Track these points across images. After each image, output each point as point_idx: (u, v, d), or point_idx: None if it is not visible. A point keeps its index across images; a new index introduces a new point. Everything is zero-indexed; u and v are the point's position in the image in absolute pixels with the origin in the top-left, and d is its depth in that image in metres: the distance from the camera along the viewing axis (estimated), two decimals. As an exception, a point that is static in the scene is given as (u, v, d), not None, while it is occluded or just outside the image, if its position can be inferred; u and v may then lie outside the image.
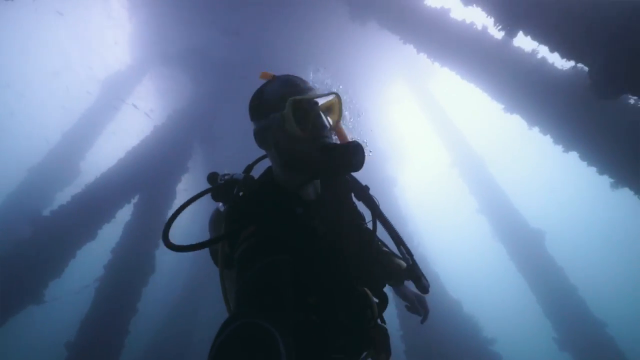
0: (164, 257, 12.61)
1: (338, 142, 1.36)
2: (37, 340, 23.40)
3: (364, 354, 1.27)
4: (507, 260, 11.81)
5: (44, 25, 23.53)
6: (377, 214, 1.43)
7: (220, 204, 1.40)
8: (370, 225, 1.44)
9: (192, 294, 15.47)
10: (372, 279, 1.32)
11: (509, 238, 11.74)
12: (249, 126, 1.35)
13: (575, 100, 5.50)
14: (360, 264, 1.30)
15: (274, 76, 1.35)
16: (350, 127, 1.56)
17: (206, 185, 1.46)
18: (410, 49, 9.94)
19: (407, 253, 1.42)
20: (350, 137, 1.38)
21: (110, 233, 11.12)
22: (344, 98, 1.37)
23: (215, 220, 1.41)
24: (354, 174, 1.50)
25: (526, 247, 11.20)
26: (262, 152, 1.48)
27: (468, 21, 8.40)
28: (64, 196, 12.06)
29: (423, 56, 9.48)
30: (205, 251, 1.39)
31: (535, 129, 7.04)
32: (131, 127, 21.04)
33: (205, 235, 1.38)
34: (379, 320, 1.30)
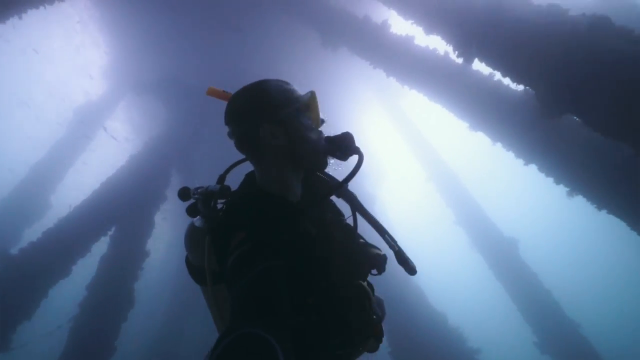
0: (145, 287, 12.21)
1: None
2: (2, 391, 21.51)
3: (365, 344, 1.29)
4: (486, 270, 12.23)
5: (15, 58, 23.06)
6: (358, 208, 1.49)
7: (196, 218, 1.34)
8: (350, 220, 1.49)
9: (176, 320, 14.95)
10: (362, 271, 1.35)
11: (485, 248, 12.21)
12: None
13: (529, 118, 6.02)
14: (350, 258, 1.33)
15: (224, 91, 1.44)
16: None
17: (184, 213, 1.41)
18: (380, 72, 10.53)
19: (392, 240, 1.46)
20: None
21: (85, 268, 10.70)
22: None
23: (193, 235, 1.35)
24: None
25: (502, 256, 11.68)
26: (234, 163, 1.52)
27: (431, 47, 9.07)
28: (33, 232, 11.56)
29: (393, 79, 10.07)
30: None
31: (499, 145, 7.58)
32: (105, 157, 20.60)
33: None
34: None
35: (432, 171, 15.12)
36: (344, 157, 1.44)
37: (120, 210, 11.28)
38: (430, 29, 7.91)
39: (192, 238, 1.35)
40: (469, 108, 7.66)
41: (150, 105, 15.54)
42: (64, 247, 9.86)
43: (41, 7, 8.80)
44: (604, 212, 5.95)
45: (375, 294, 1.46)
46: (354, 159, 1.43)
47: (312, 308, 1.16)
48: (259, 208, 1.24)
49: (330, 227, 1.36)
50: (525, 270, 11.22)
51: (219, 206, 1.36)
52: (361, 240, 1.53)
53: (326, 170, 1.49)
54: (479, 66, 7.28)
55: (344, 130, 1.46)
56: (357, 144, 1.43)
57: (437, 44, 9.19)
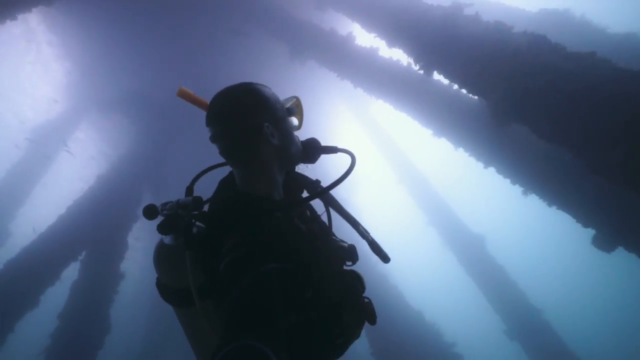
0: (122, 309, 11.81)
1: None
2: None
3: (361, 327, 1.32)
4: (457, 266, 12.89)
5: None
6: (331, 203, 1.53)
7: (166, 236, 1.25)
8: (324, 217, 1.53)
9: (155, 342, 14.50)
10: (341, 262, 1.40)
11: (456, 245, 12.88)
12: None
13: (485, 126, 6.56)
14: (333, 250, 1.37)
15: (194, 96, 1.47)
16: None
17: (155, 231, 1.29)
18: (349, 83, 10.93)
19: (365, 232, 1.51)
20: None
21: (56, 296, 10.21)
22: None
23: (166, 254, 1.27)
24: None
25: (471, 252, 12.38)
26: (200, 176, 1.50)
27: (395, 58, 9.56)
28: (-8, 264, 10.86)
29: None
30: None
31: (461, 150, 8.13)
32: (70, 177, 19.66)
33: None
34: None
35: (402, 174, 15.76)
36: (314, 160, 1.54)
37: (90, 233, 10.88)
38: (392, 42, 8.38)
39: (165, 258, 1.28)
40: (432, 116, 8.18)
41: (115, 122, 15.10)
42: (30, 277, 9.38)
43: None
44: (554, 208, 6.59)
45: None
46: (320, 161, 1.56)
47: (311, 302, 1.16)
48: (248, 210, 1.22)
49: (310, 221, 1.40)
50: (492, 264, 11.97)
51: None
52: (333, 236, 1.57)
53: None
54: (440, 76, 7.80)
55: (316, 137, 1.58)
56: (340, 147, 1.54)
57: (401, 55, 9.73)
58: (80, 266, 10.68)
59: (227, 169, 1.54)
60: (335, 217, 1.56)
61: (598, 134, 4.04)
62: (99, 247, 10.86)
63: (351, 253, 1.41)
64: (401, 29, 7.76)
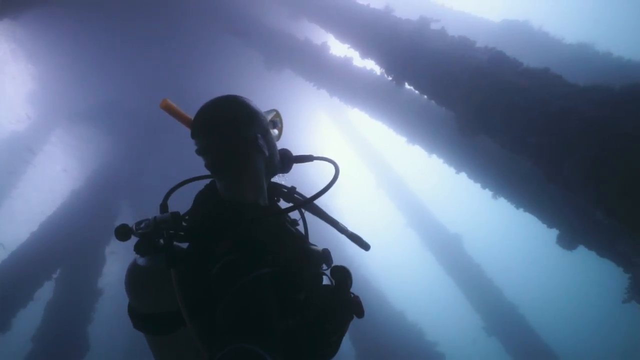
0: (101, 326, 11.49)
1: None
2: None
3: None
4: (437, 266, 13.29)
5: None
6: (310, 207, 1.58)
7: (140, 258, 1.20)
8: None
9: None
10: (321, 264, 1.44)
11: (435, 246, 13.29)
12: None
13: (455, 134, 6.87)
14: (315, 253, 1.41)
15: (178, 110, 1.44)
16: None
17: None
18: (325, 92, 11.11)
19: (343, 227, 1.61)
20: None
21: (29, 318, 9.84)
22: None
23: (142, 277, 1.20)
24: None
25: (449, 251, 12.81)
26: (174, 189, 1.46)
27: (368, 68, 9.80)
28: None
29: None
30: None
31: (434, 156, 8.45)
32: (40, 191, 18.91)
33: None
34: None
35: (381, 178, 16.12)
36: (289, 169, 1.57)
37: (64, 250, 10.56)
38: (364, 53, 8.62)
39: (141, 281, 1.20)
40: (405, 124, 8.46)
41: (88, 133, 14.69)
42: (0, 300, 9.02)
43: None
44: (521, 210, 6.99)
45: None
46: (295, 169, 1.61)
47: (304, 303, 1.18)
48: (240, 215, 1.21)
49: (292, 224, 1.46)
50: (469, 263, 12.43)
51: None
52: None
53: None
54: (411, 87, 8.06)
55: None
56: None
57: (374, 65, 9.99)
58: (55, 285, 10.35)
59: (198, 183, 1.53)
60: (313, 221, 1.62)
61: (551, 146, 4.37)
62: (75, 264, 10.56)
63: (327, 257, 1.44)
64: (372, 41, 8.00)
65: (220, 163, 1.33)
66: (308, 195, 1.55)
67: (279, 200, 1.58)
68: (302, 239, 1.41)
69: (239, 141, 1.32)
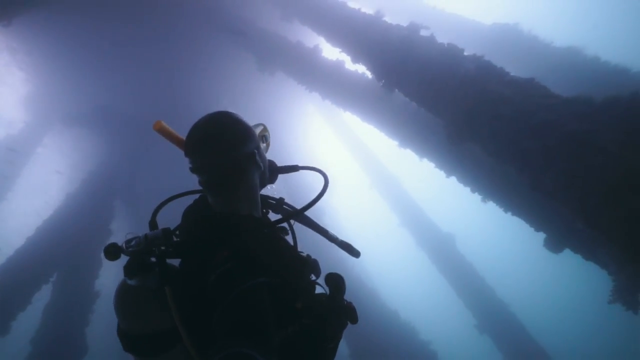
0: (99, 328, 11.61)
1: None
2: None
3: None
4: (430, 265, 13.47)
5: None
6: (294, 215, 1.53)
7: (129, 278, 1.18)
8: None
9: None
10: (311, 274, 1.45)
11: (428, 245, 13.45)
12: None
13: (444, 140, 6.97)
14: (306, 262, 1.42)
15: (172, 132, 1.45)
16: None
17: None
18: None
19: (333, 236, 1.63)
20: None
21: (27, 321, 9.95)
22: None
23: (135, 298, 1.19)
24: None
25: (442, 250, 12.98)
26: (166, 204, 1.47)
27: (360, 71, 9.84)
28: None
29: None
30: None
31: (425, 160, 8.56)
32: (34, 192, 18.92)
33: None
34: None
35: (375, 178, 16.22)
36: (274, 180, 1.58)
37: (61, 253, 10.65)
38: (355, 58, 8.66)
39: (132, 301, 1.20)
40: (396, 128, 8.55)
41: (83, 136, 14.69)
42: (0, 303, 9.13)
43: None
44: (509, 214, 7.13)
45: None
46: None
47: (302, 312, 1.18)
48: (236, 227, 1.21)
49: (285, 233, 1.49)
50: (462, 261, 12.61)
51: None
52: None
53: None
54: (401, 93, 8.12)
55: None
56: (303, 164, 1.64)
57: (366, 69, 10.02)
58: (52, 288, 10.46)
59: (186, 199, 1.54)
60: (301, 226, 1.64)
61: (533, 158, 4.48)
62: (72, 267, 10.66)
63: (316, 267, 1.44)
64: (363, 47, 8.05)
65: (218, 181, 1.33)
66: (296, 205, 1.61)
67: (268, 212, 1.60)
68: (295, 249, 1.43)
69: (237, 158, 1.33)
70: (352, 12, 8.73)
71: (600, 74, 7.62)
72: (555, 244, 6.60)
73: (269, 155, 1.61)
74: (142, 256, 1.16)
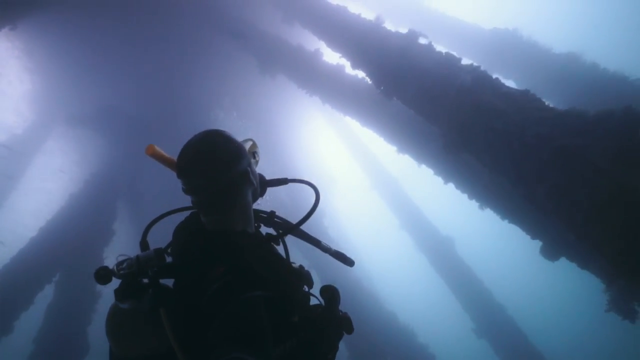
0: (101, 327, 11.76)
1: None
2: None
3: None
4: (428, 267, 13.53)
5: None
6: (290, 230, 1.52)
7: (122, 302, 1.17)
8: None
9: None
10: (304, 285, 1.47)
11: (427, 248, 13.50)
12: (174, 176, 1.35)
13: (441, 148, 7.01)
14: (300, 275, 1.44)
15: (165, 155, 1.41)
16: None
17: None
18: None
19: (326, 246, 1.64)
20: None
21: (30, 320, 10.12)
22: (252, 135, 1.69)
23: (129, 321, 1.18)
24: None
25: (441, 253, 13.02)
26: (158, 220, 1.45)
27: (360, 76, 9.86)
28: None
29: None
30: None
31: (423, 166, 8.60)
32: (38, 190, 19.11)
33: None
34: None
35: (375, 181, 16.27)
36: (263, 194, 1.58)
37: (64, 254, 10.80)
38: (355, 64, 8.70)
39: (126, 324, 1.18)
40: (394, 134, 8.60)
41: (87, 136, 14.84)
42: (3, 303, 9.29)
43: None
44: (506, 221, 7.18)
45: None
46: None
47: (299, 325, 1.20)
48: (232, 244, 1.22)
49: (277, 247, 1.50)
50: (461, 264, 12.65)
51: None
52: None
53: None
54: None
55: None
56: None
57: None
58: (55, 288, 10.62)
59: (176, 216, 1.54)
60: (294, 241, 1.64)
61: (527, 170, 4.52)
62: (74, 268, 10.80)
63: (309, 278, 1.45)
64: (362, 54, 8.07)
65: (212, 201, 1.31)
66: (287, 217, 1.63)
67: (260, 227, 1.60)
68: (287, 260, 1.44)
69: (232, 177, 1.32)
70: (352, 17, 8.75)
71: (599, 81, 7.60)
72: (551, 252, 6.65)
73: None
74: (134, 279, 1.15)
